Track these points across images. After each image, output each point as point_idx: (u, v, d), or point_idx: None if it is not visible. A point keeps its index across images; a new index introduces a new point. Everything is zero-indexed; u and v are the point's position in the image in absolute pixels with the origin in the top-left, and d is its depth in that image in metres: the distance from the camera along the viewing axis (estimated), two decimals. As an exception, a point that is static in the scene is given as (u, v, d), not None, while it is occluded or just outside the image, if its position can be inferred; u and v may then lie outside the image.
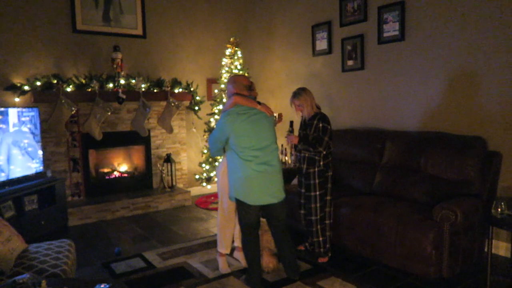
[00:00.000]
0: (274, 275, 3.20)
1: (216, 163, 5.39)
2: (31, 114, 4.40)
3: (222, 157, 3.49)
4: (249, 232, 3.03)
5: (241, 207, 2.99)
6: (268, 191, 2.94)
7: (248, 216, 2.98)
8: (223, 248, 3.37)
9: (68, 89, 4.82)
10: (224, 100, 5.16)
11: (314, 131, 3.36)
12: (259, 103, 3.01)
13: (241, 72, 5.34)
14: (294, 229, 3.85)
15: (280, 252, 3.16)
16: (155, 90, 5.44)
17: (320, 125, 3.33)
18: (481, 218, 3.14)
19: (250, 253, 3.03)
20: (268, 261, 3.24)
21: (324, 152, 3.35)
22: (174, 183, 5.66)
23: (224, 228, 3.36)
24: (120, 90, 5.07)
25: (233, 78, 3.14)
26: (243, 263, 3.39)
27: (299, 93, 3.41)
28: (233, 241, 3.48)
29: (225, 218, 3.35)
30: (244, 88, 3.03)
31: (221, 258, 3.38)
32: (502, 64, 3.43)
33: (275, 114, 3.46)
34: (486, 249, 3.29)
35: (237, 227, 3.41)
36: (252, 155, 2.88)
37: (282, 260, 3.17)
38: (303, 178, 3.48)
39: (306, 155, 3.39)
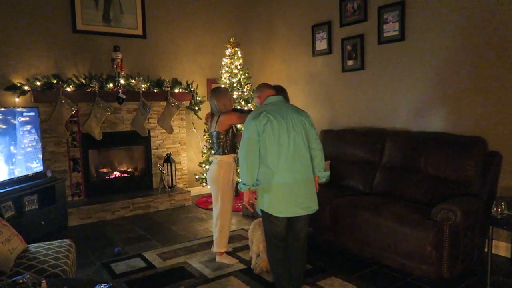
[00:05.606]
0: (274, 275, 3.20)
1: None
2: (31, 114, 4.40)
3: (215, 158, 3.40)
4: (276, 245, 2.76)
5: (267, 219, 2.74)
6: (296, 201, 2.65)
7: (274, 227, 2.72)
8: (224, 246, 3.47)
9: (68, 89, 4.82)
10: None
11: None
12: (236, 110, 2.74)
13: (241, 72, 5.34)
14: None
15: (290, 265, 2.86)
16: (155, 90, 5.44)
17: None
18: (481, 218, 3.14)
19: (278, 267, 2.77)
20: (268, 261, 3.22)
21: None
22: (174, 183, 5.66)
23: (227, 227, 3.46)
24: (120, 90, 5.07)
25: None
26: (228, 262, 3.44)
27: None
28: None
29: (225, 218, 3.43)
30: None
31: (222, 256, 3.46)
32: (502, 64, 3.43)
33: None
34: (486, 249, 3.29)
35: (217, 231, 3.44)
36: (279, 162, 2.61)
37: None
38: None
39: None
